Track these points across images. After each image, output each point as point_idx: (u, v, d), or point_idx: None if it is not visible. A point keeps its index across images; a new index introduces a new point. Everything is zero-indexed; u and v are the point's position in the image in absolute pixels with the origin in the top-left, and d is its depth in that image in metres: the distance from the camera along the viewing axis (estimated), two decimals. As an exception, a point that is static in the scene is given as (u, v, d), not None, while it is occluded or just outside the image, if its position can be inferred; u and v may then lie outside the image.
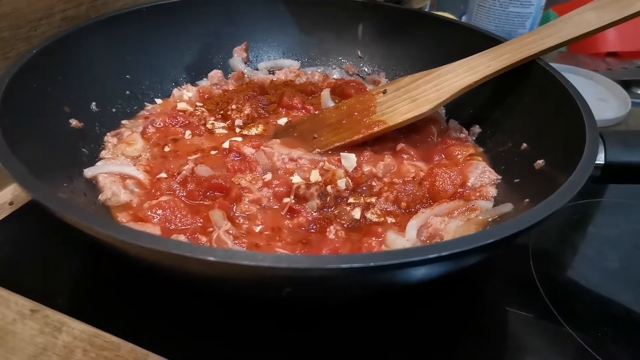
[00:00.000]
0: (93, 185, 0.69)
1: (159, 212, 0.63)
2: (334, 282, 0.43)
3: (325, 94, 0.92)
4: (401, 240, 0.62)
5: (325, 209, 0.67)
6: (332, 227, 0.63)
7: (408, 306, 0.61)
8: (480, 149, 0.83)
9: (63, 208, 0.43)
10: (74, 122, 0.72)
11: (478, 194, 0.71)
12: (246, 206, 0.67)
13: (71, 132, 0.72)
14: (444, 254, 0.40)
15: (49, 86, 0.69)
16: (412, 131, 0.83)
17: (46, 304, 0.57)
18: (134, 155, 0.76)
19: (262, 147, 0.76)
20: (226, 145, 0.78)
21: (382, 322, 0.59)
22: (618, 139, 0.61)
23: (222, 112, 0.88)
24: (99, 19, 0.81)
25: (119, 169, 0.71)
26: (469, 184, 0.72)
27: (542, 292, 0.63)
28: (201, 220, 0.64)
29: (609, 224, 0.78)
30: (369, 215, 0.67)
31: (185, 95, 0.92)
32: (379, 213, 0.68)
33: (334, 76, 1.05)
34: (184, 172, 0.70)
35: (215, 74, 0.98)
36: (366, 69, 1.05)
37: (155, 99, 0.91)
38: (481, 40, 0.84)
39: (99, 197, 0.66)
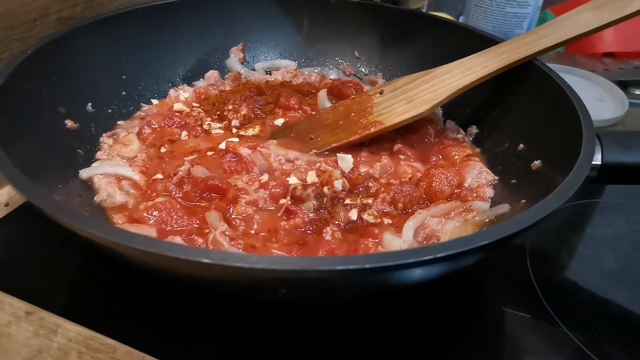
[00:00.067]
0: (88, 187, 0.68)
1: (155, 213, 0.63)
2: (329, 284, 0.43)
3: (322, 94, 0.92)
4: (398, 241, 0.62)
5: (322, 210, 0.67)
6: (328, 228, 0.63)
7: (405, 307, 0.61)
8: (478, 150, 0.83)
9: (56, 210, 0.43)
10: (69, 123, 0.72)
11: (475, 194, 0.71)
12: (242, 207, 0.66)
13: (66, 133, 0.71)
14: (439, 255, 0.40)
15: (44, 87, 0.69)
16: (409, 132, 0.83)
17: (41, 306, 0.56)
18: (129, 156, 0.76)
19: (258, 148, 0.76)
20: (223, 146, 0.78)
21: (379, 322, 0.59)
22: (615, 140, 0.61)
23: (218, 112, 0.88)
24: (94, 20, 0.81)
25: (115, 170, 0.71)
26: (466, 185, 0.72)
27: (539, 292, 0.63)
28: (197, 222, 0.64)
29: (607, 225, 0.78)
30: (365, 216, 0.67)
31: (181, 95, 0.92)
32: (376, 214, 0.67)
33: (331, 77, 1.04)
34: (180, 173, 0.69)
35: (212, 75, 0.98)
36: (363, 70, 1.05)
37: (152, 100, 0.91)
38: (478, 41, 0.84)
39: (94, 199, 0.66)
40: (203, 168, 0.71)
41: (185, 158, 0.75)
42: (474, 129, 0.85)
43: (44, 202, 0.44)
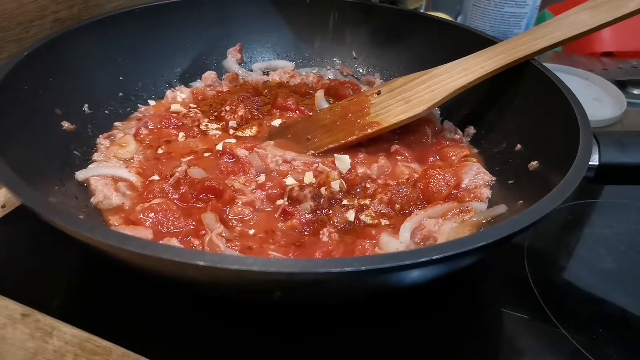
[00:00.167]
0: (85, 188, 0.68)
1: (151, 215, 0.63)
2: (325, 286, 0.43)
3: (320, 95, 0.92)
4: (395, 242, 0.62)
5: (319, 211, 0.67)
6: (325, 230, 0.63)
7: (402, 309, 0.60)
8: (475, 150, 0.83)
9: (51, 212, 0.43)
10: (65, 124, 0.72)
11: (472, 195, 0.70)
12: (239, 208, 0.66)
13: (63, 134, 0.71)
14: (436, 257, 0.40)
15: (40, 88, 0.69)
16: (406, 132, 0.82)
17: (37, 308, 0.56)
18: (126, 158, 0.75)
19: (255, 148, 0.76)
20: (220, 147, 0.78)
21: (375, 324, 0.59)
22: (612, 140, 0.61)
23: (215, 113, 0.88)
24: (91, 20, 0.81)
25: (111, 171, 0.70)
26: (463, 185, 0.72)
27: (536, 293, 0.63)
28: (194, 223, 0.63)
29: (605, 225, 0.78)
30: (362, 217, 0.67)
31: (178, 96, 0.92)
32: (373, 215, 0.67)
33: (328, 77, 1.04)
34: (176, 174, 0.69)
35: (209, 75, 0.98)
36: (361, 70, 1.05)
37: (149, 101, 0.90)
38: (476, 41, 0.84)
39: (90, 200, 0.66)
40: (200, 169, 0.71)
41: (182, 159, 0.75)
42: (471, 130, 0.85)
43: (39, 204, 0.44)
